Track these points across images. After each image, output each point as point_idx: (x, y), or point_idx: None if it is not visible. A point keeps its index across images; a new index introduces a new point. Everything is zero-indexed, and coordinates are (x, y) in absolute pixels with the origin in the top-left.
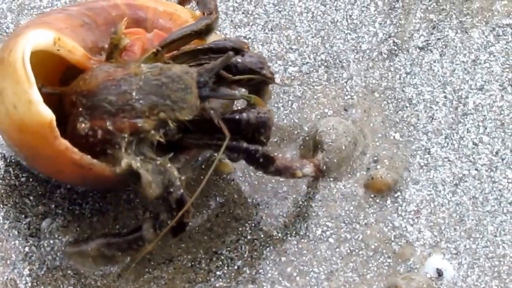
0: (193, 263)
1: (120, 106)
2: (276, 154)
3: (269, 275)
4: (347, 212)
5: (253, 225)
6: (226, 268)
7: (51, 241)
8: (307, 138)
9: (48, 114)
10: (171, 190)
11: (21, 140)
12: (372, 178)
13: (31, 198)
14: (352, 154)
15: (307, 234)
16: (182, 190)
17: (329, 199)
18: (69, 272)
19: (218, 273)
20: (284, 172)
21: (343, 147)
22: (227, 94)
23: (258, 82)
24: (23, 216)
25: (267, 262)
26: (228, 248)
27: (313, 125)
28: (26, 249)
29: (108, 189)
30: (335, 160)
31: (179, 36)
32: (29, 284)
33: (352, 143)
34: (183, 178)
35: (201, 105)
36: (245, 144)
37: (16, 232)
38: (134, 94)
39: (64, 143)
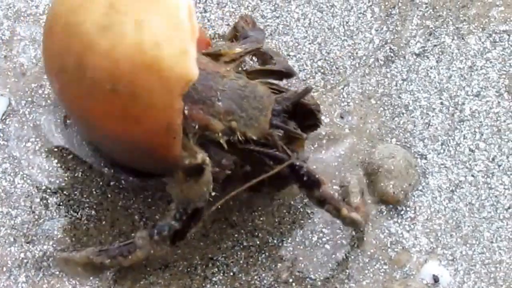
0: (189, 269)
1: (202, 97)
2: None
3: (265, 281)
4: None
5: (248, 231)
6: (221, 274)
7: (47, 248)
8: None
9: (195, 73)
10: (197, 199)
11: (133, 73)
12: None
13: (27, 204)
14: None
15: (303, 240)
16: (204, 203)
17: None
18: (64, 279)
19: (214, 279)
20: (330, 202)
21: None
22: (294, 131)
23: (306, 125)
24: (19, 222)
25: (263, 269)
26: (224, 255)
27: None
28: (22, 255)
29: (140, 165)
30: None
31: (268, 69)
32: None
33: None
34: (213, 194)
35: (268, 131)
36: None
37: (12, 239)
38: (218, 93)
39: (182, 104)
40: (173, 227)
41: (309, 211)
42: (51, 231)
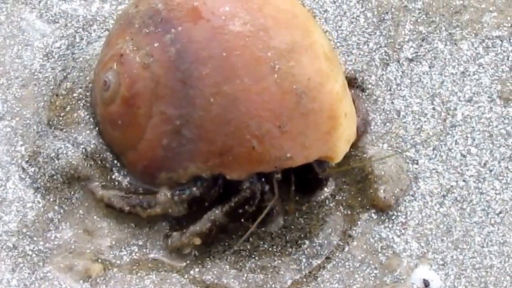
0: (178, 272)
1: None
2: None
3: (254, 286)
4: (334, 223)
5: (240, 236)
6: (210, 278)
7: (40, 252)
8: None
9: (337, 160)
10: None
11: (320, 101)
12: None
13: (19, 210)
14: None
15: (294, 245)
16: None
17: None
18: (55, 283)
19: (202, 283)
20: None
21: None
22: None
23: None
24: (12, 228)
25: (252, 274)
26: (214, 259)
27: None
28: (15, 260)
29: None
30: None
31: None
32: None
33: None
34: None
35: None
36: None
37: (5, 244)
38: None
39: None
40: (193, 192)
41: (301, 217)
42: (44, 235)
